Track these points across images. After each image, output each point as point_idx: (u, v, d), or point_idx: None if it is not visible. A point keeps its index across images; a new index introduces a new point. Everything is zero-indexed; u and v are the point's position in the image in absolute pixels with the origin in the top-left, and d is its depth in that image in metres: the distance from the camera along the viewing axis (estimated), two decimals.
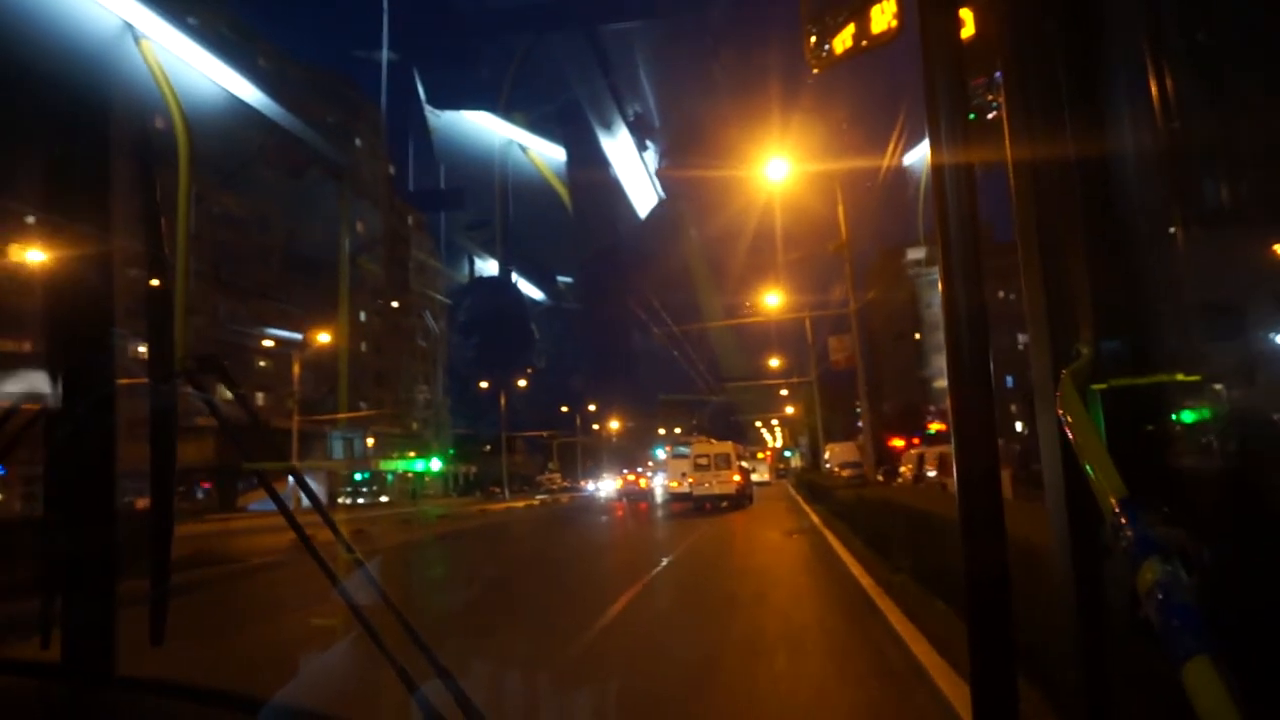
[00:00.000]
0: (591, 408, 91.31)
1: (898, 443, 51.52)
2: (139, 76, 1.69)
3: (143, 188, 1.60)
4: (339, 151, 64.53)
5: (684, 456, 37.92)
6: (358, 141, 66.53)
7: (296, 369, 44.70)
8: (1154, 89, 0.96)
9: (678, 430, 75.55)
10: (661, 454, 45.95)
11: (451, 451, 74.95)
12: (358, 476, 63.57)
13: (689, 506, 33.38)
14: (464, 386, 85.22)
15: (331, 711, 1.33)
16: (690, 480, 33.54)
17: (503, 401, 71.22)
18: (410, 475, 66.58)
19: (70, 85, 1.58)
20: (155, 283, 1.56)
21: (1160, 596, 0.71)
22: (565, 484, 79.07)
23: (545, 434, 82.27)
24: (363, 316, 65.30)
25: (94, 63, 1.71)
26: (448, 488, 73.37)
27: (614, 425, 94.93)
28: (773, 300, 36.27)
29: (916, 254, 67.26)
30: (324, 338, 51.28)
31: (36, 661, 1.43)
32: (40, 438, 1.48)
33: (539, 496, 60.17)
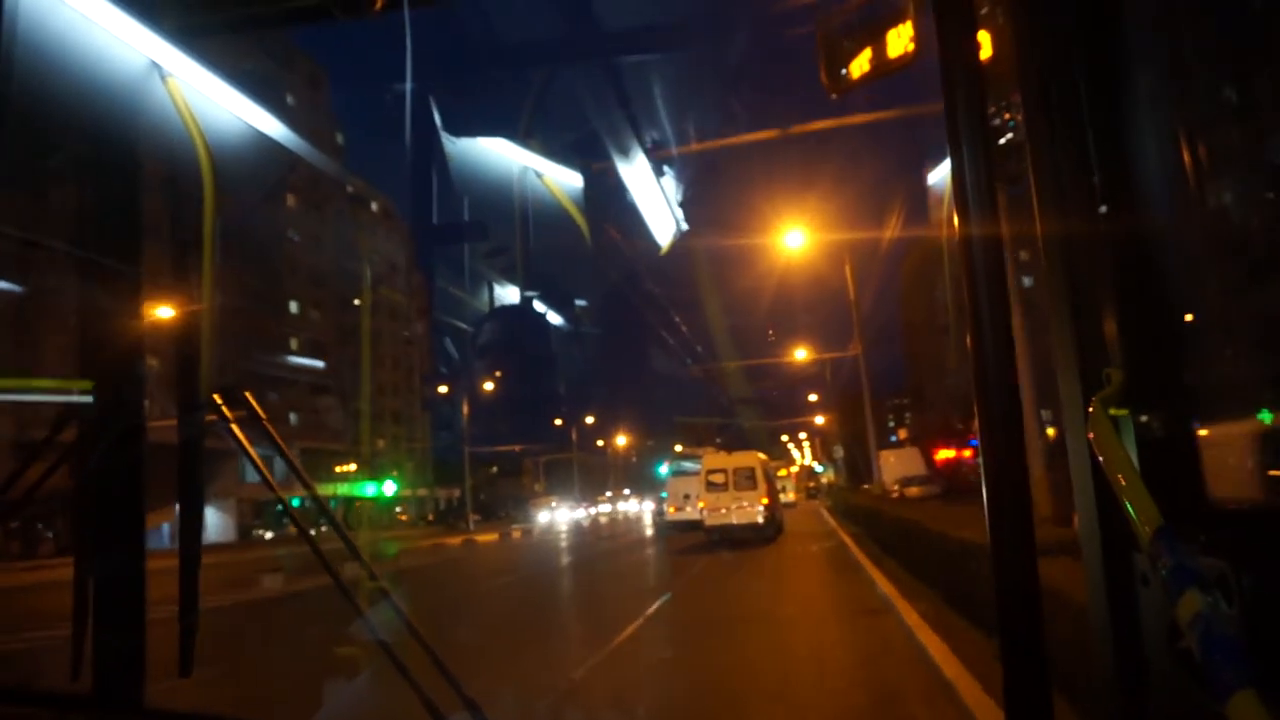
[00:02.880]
0: (589, 421, 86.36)
1: (947, 453, 42.25)
2: (166, 114, 1.73)
3: (170, 223, 1.64)
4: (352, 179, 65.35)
5: (688, 474, 28.99)
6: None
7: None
8: (1178, 106, 0.96)
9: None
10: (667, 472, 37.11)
11: (397, 474, 62.25)
12: (295, 503, 54.99)
13: (691, 542, 24.34)
14: (479, 407, 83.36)
15: None
16: (701, 505, 24.14)
17: (465, 411, 60.76)
18: (366, 501, 55.40)
19: (100, 123, 1.62)
20: (183, 316, 1.59)
21: (1202, 628, 0.70)
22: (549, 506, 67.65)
23: (518, 448, 71.87)
24: (294, 307, 58.04)
25: (123, 101, 1.75)
26: (424, 514, 66.01)
27: (620, 442, 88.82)
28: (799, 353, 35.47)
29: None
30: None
31: (67, 693, 1.44)
32: (72, 470, 1.50)
33: (515, 527, 48.89)
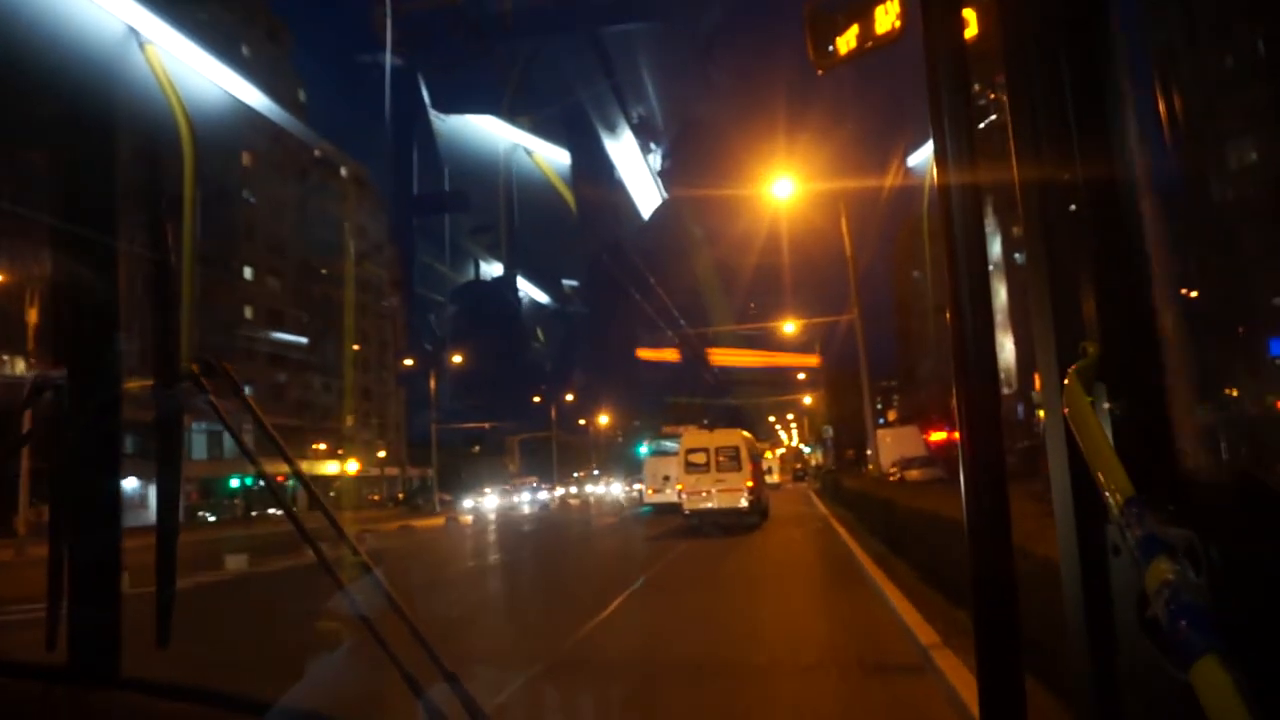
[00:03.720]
0: (569, 399, 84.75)
1: (939, 435, 38.07)
2: (144, 81, 1.70)
3: (148, 192, 1.61)
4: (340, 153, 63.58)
5: (667, 454, 27.62)
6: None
7: None
8: (1160, 82, 0.96)
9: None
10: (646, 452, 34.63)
11: (364, 452, 61.01)
12: (235, 483, 49.16)
13: (666, 528, 22.89)
14: (454, 383, 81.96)
15: (337, 714, 1.33)
16: (679, 487, 22.24)
17: (432, 386, 57.96)
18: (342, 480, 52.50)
19: (76, 90, 1.59)
20: (160, 287, 1.57)
21: (1168, 596, 0.71)
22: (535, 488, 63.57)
23: (486, 425, 69.93)
24: (248, 273, 54.47)
25: (99, 67, 1.72)
26: (395, 494, 63.39)
27: (603, 421, 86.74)
28: (788, 325, 33.44)
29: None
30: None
31: (43, 664, 1.44)
32: (46, 442, 1.49)
33: (462, 513, 44.86)
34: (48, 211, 1.53)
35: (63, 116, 1.57)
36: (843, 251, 25.11)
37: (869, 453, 29.21)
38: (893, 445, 32.56)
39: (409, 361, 71.49)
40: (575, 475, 75.95)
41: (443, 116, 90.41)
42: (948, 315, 1.03)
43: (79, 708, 1.41)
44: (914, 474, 29.81)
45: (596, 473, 78.93)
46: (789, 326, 34.61)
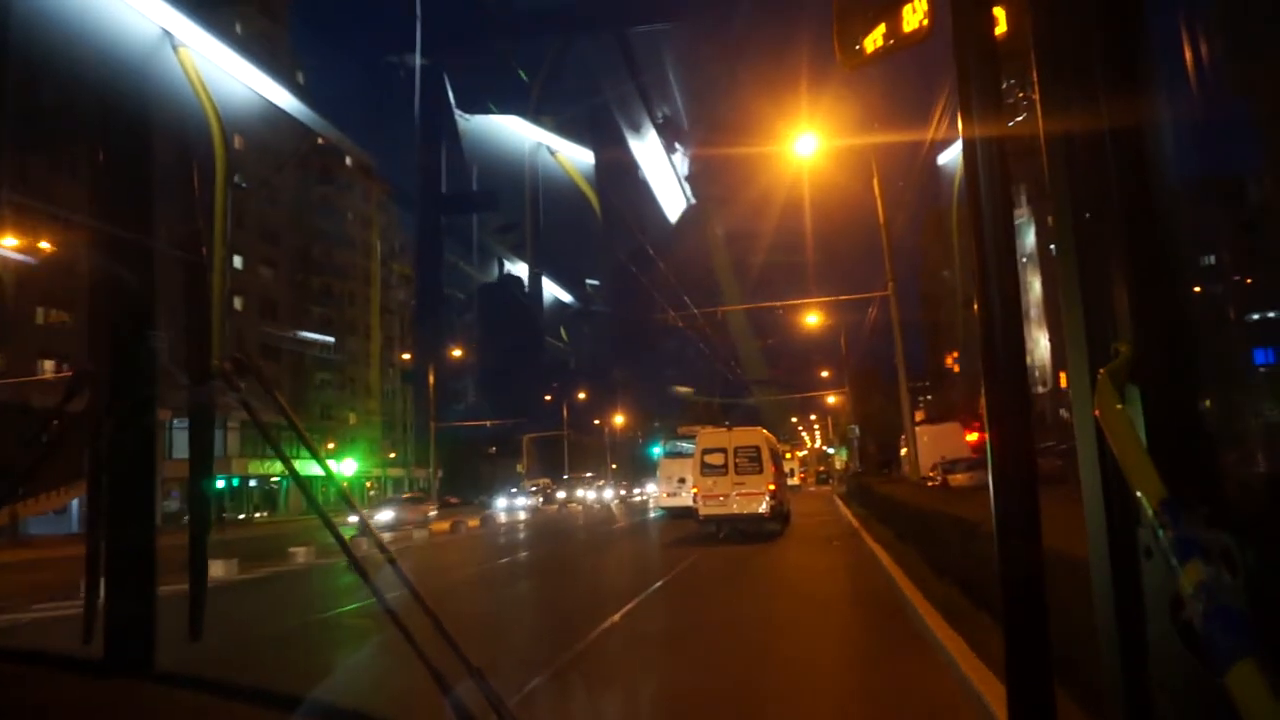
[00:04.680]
0: (581, 397, 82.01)
1: (972, 436, 32.92)
2: (178, 83, 1.73)
3: (181, 193, 1.64)
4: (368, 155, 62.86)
5: (682, 455, 25.66)
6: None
7: None
8: (1195, 82, 0.95)
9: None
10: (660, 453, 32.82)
11: (364, 452, 58.72)
12: (220, 483, 45.47)
13: (676, 536, 21.15)
14: (465, 382, 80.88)
15: (366, 709, 1.35)
16: (694, 490, 20.60)
17: (430, 381, 54.84)
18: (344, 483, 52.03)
19: (112, 93, 1.62)
20: (193, 286, 1.59)
21: (1204, 599, 0.70)
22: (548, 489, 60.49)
23: (489, 423, 66.20)
24: (237, 262, 51.62)
25: (134, 70, 1.75)
26: (400, 495, 61.23)
27: (619, 421, 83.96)
28: (812, 318, 32.05)
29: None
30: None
31: (79, 657, 1.47)
32: (84, 439, 1.52)
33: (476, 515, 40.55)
34: (86, 212, 1.56)
35: (100, 119, 1.60)
36: (868, 246, 23.90)
37: (903, 453, 25.92)
38: (931, 444, 27.18)
39: (406, 356, 69.67)
40: (587, 475, 73.37)
41: (467, 116, 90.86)
42: (975, 308, 1.02)
43: (115, 700, 1.44)
44: (959, 479, 25.06)
45: (589, 475, 74.75)
46: (812, 318, 31.84)
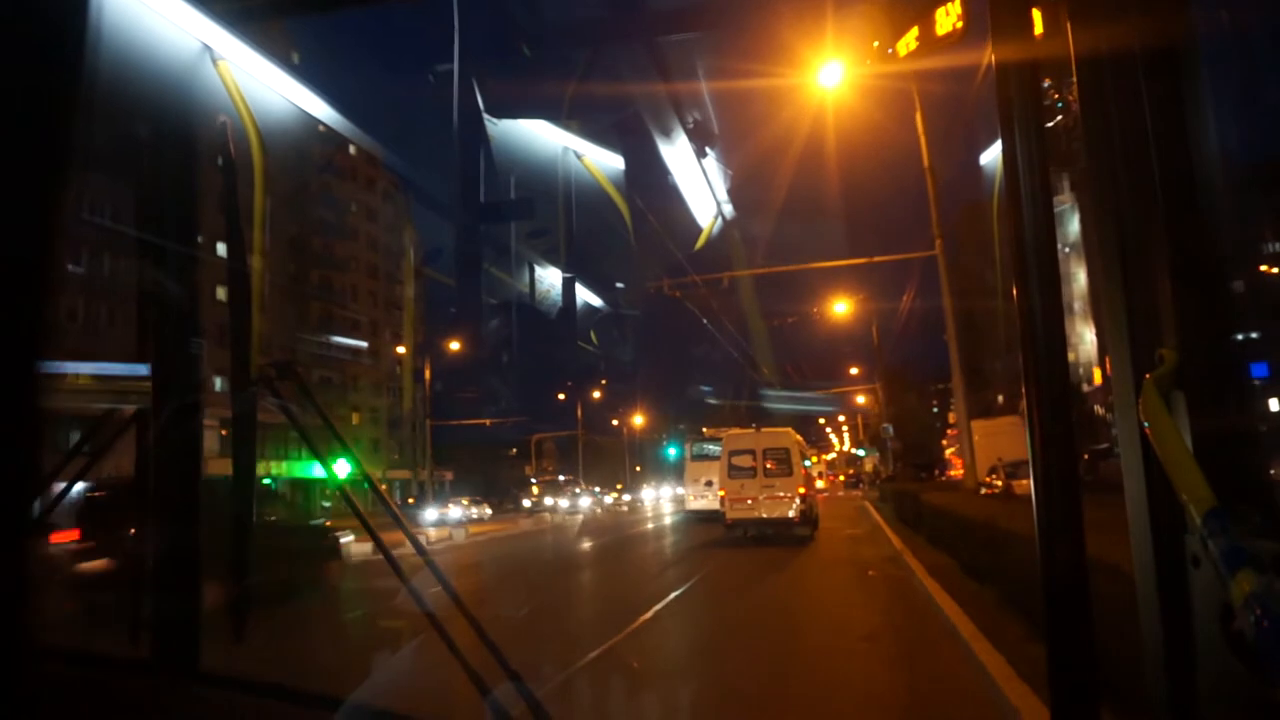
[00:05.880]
0: (596, 397, 78.50)
1: None
2: (218, 96, 1.78)
3: (225, 203, 1.68)
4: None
5: (709, 458, 24.90)
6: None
7: None
8: (1239, 72, 0.93)
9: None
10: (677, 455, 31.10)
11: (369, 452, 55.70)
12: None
13: (689, 544, 20.05)
14: (529, 392, 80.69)
15: (406, 711, 1.37)
16: (721, 493, 19.84)
17: (427, 375, 51.96)
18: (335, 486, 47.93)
19: (154, 105, 1.66)
20: (236, 294, 1.63)
21: (1255, 609, 0.69)
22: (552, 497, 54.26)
23: (488, 423, 60.19)
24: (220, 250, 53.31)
25: (176, 83, 1.79)
26: (408, 497, 54.79)
27: (638, 422, 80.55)
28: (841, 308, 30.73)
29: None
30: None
31: (126, 657, 1.50)
32: (131, 443, 1.56)
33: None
34: (132, 224, 1.60)
35: (144, 131, 1.64)
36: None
37: (949, 454, 21.94)
38: (984, 444, 21.89)
39: (401, 350, 67.78)
40: (561, 479, 67.98)
41: (495, 121, 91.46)
42: (1014, 292, 1.00)
43: (159, 701, 1.47)
44: (1026, 484, 21.06)
45: (562, 478, 68.57)
46: (840, 306, 28.79)
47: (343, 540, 13.74)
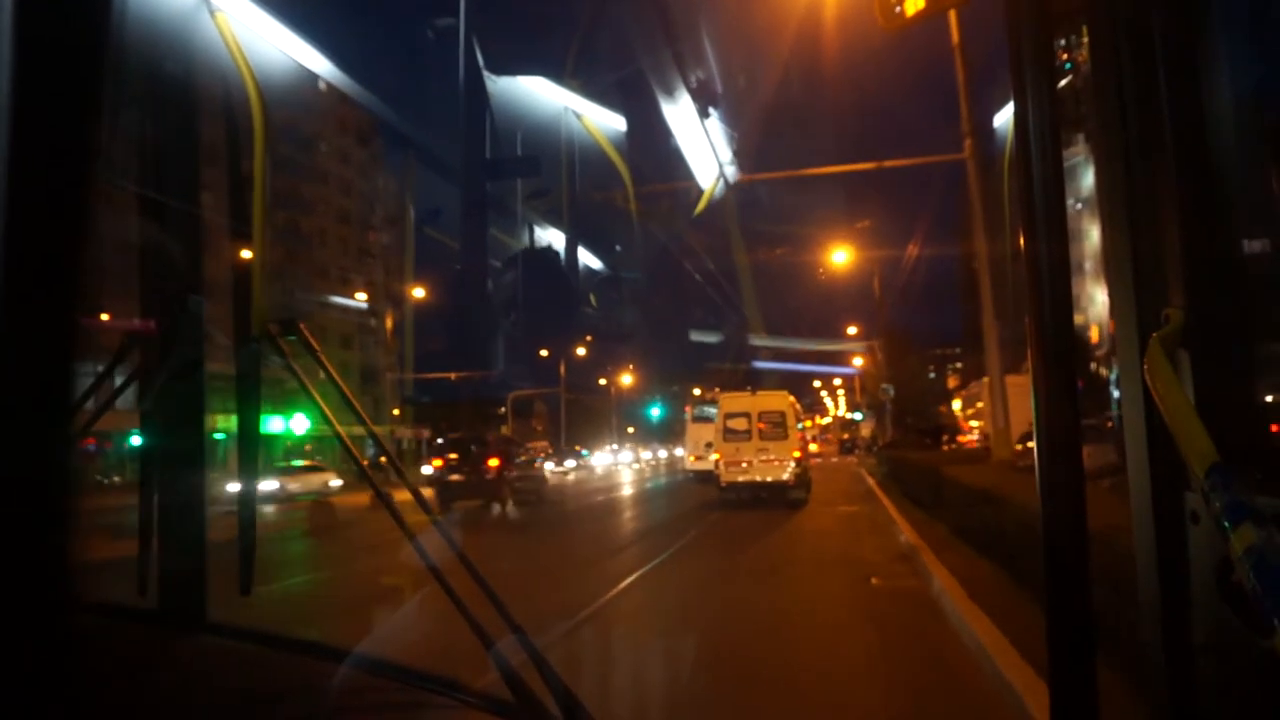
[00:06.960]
0: (581, 353, 75.41)
1: None
2: (216, 49, 1.75)
3: (226, 159, 1.66)
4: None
5: (709, 420, 25.55)
6: None
7: None
8: (1259, 44, 0.92)
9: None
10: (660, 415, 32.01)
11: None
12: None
13: (692, 504, 20.50)
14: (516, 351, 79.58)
15: (411, 664, 1.39)
16: (716, 456, 20.12)
17: (388, 326, 51.17)
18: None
19: (153, 60, 1.64)
20: (238, 251, 1.63)
21: (1255, 560, 0.70)
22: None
23: (454, 376, 57.09)
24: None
25: (174, 37, 1.76)
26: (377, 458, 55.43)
27: (626, 382, 77.81)
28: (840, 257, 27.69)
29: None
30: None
31: (134, 607, 1.52)
32: (135, 400, 1.56)
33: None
34: (133, 180, 1.59)
35: (143, 87, 1.62)
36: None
37: (971, 420, 19.67)
38: (1016, 405, 17.02)
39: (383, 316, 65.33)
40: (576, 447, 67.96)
41: (494, 78, 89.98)
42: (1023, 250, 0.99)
43: (168, 650, 1.49)
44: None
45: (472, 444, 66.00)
46: (839, 255, 28.08)
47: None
